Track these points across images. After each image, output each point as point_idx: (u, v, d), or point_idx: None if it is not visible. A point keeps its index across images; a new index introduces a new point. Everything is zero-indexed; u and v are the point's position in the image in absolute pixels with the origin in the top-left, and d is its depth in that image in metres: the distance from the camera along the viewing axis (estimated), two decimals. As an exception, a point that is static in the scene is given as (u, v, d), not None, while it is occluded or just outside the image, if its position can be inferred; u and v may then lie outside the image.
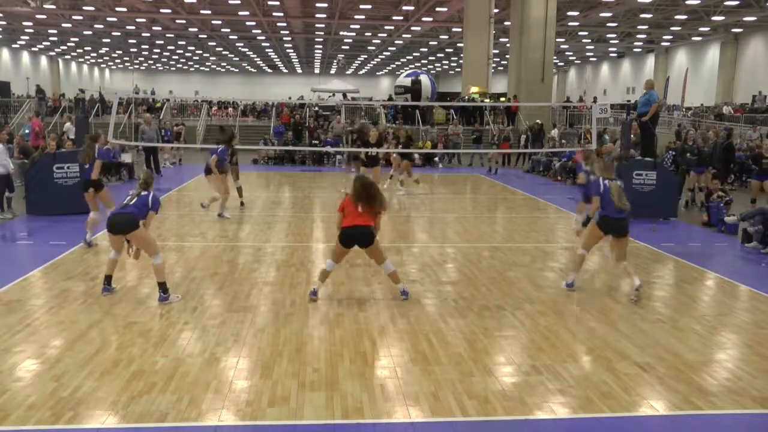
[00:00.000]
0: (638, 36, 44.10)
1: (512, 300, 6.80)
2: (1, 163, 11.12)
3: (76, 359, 5.00)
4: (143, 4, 36.54)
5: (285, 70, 75.82)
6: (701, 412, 4.36)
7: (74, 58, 67.89)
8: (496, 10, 31.02)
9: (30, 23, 43.64)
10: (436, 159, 22.22)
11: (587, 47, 51.07)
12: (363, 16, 38.74)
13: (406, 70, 45.62)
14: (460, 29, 37.10)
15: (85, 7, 37.59)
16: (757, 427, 4.30)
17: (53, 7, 36.15)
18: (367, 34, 46.84)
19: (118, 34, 49.18)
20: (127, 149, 17.28)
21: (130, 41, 53.93)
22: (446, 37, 45.85)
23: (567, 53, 55.34)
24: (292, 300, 6.66)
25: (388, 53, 58.21)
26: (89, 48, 59.66)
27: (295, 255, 8.68)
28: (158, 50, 61.50)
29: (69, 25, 44.02)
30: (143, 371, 4.81)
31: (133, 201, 6.64)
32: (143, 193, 6.67)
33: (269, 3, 35.82)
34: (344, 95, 40.09)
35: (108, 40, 53.36)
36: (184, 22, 41.82)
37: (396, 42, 49.62)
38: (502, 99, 30.02)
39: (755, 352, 5.47)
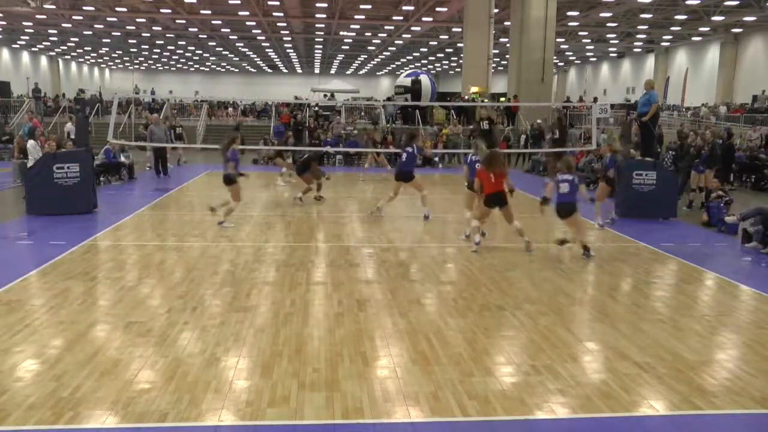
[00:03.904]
0: (638, 36, 44.09)
1: (512, 300, 6.80)
2: (36, 158, 12.31)
3: (76, 359, 5.00)
4: (143, 4, 36.53)
5: (285, 70, 75.84)
6: (701, 412, 4.36)
7: (74, 58, 67.89)
8: (496, 10, 31.00)
9: (30, 23, 43.62)
10: (436, 159, 22.22)
11: (587, 47, 51.07)
12: (363, 16, 38.72)
13: (406, 70, 45.57)
14: (460, 29, 37.07)
15: (85, 7, 37.57)
16: (757, 427, 4.30)
17: (53, 7, 36.13)
18: (367, 34, 46.83)
19: (118, 34, 49.16)
20: (127, 149, 17.26)
21: (130, 41, 53.89)
22: (446, 37, 45.83)
23: (567, 53, 55.33)
24: (292, 300, 6.66)
25: (388, 53, 58.20)
26: (89, 48, 59.64)
27: (295, 255, 8.68)
28: (158, 50, 61.49)
29: (69, 25, 44.02)
30: (143, 371, 4.81)
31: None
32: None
33: (269, 3, 35.81)
34: (332, 95, 39.84)
35: (108, 40, 53.34)
36: (184, 22, 41.81)
37: (396, 42, 49.60)
38: (502, 99, 30.01)
39: (755, 352, 5.47)
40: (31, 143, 14.28)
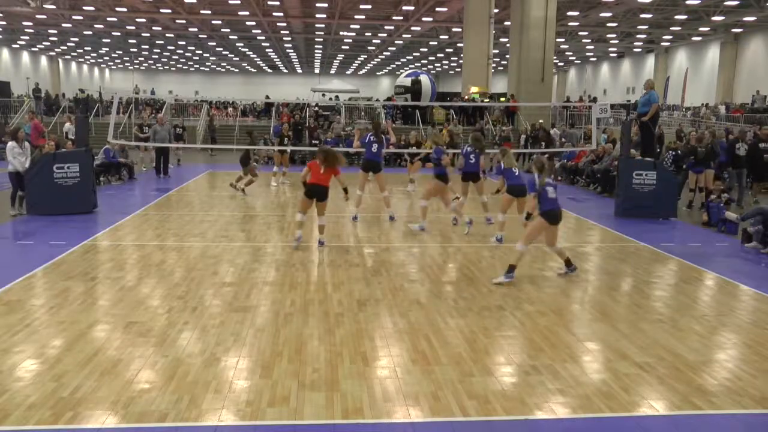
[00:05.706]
0: (638, 36, 44.11)
1: (512, 300, 6.80)
2: (12, 162, 11.24)
3: (76, 359, 5.00)
4: (143, 4, 36.55)
5: (285, 70, 75.87)
6: (701, 412, 4.36)
7: (74, 58, 67.91)
8: (496, 10, 31.00)
9: (30, 23, 43.65)
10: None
11: (587, 47, 51.08)
12: (363, 16, 38.74)
13: (406, 70, 45.59)
14: (460, 29, 37.10)
15: (85, 7, 37.60)
16: (757, 427, 4.29)
17: (53, 7, 36.16)
18: (367, 34, 46.84)
19: (118, 34, 49.20)
20: (128, 149, 17.27)
21: (130, 41, 53.95)
22: (446, 37, 45.86)
23: (567, 53, 55.34)
24: (292, 300, 6.66)
25: (388, 53, 58.21)
26: (89, 48, 59.67)
27: (295, 255, 8.68)
28: (158, 50, 61.51)
29: (69, 25, 44.03)
30: (143, 371, 4.81)
31: None
32: None
33: (269, 3, 35.82)
34: (336, 96, 39.85)
35: (108, 40, 53.37)
36: (184, 22, 41.83)
37: (396, 42, 49.62)
38: (502, 99, 30.03)
39: (755, 352, 5.47)
40: (10, 146, 11.32)
